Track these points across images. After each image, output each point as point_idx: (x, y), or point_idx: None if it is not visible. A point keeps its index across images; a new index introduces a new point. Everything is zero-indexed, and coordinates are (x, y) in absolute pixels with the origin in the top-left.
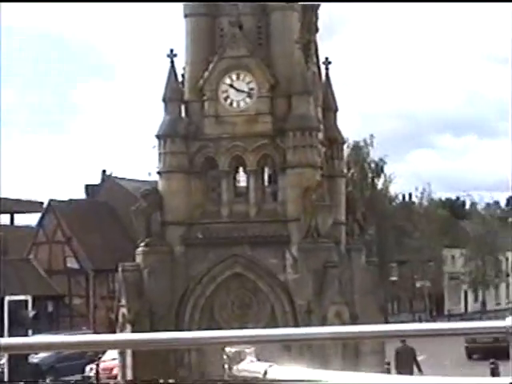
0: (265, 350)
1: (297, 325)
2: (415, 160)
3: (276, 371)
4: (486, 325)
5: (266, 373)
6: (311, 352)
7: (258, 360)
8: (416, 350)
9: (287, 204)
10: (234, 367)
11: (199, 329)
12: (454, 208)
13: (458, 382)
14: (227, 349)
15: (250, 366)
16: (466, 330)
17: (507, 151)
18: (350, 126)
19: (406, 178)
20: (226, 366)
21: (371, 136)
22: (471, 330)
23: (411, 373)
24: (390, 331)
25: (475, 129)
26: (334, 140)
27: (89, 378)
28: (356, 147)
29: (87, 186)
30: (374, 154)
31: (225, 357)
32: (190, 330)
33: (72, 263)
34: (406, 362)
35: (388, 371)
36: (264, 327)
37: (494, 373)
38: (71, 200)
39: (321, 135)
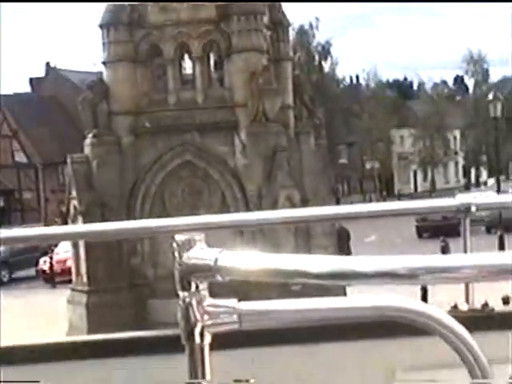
0: (215, 237)
1: (248, 210)
2: (361, 41)
3: (227, 257)
4: (438, 203)
5: (216, 260)
6: (263, 235)
7: (209, 246)
8: (368, 229)
9: (234, 89)
10: (184, 255)
11: (150, 218)
12: (402, 88)
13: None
14: (177, 236)
15: (199, 252)
16: (419, 210)
17: (452, 29)
18: (295, 9)
19: (353, 59)
20: (176, 254)
21: (316, 19)
22: (424, 210)
23: (349, 254)
24: (343, 213)
25: (420, 8)
26: (279, 23)
27: (43, 271)
28: (301, 30)
29: (31, 80)
30: (320, 37)
31: (174, 245)
32: (141, 219)
33: (20, 157)
34: (343, 243)
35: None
36: (215, 213)
37: (445, 250)
38: (16, 94)
39: (266, 19)
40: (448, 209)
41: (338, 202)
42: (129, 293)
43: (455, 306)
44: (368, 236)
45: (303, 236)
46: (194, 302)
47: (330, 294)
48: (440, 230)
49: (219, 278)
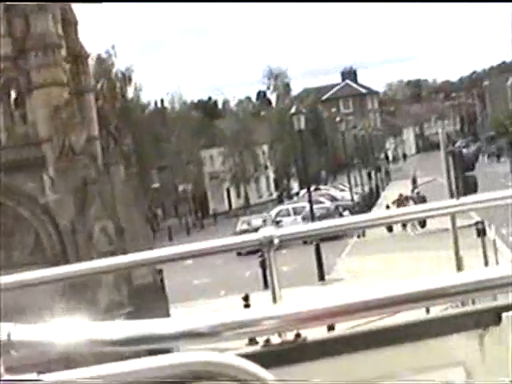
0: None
1: (63, 246)
2: (163, 65)
3: (21, 331)
4: (242, 239)
5: (9, 334)
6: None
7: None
8: None
9: (38, 125)
10: None
11: None
12: (207, 108)
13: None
14: None
15: None
16: (225, 247)
17: (252, 45)
18: (91, 39)
19: (156, 84)
20: None
21: (113, 46)
22: (230, 247)
23: None
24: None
25: (216, 28)
26: (78, 55)
27: None
28: (100, 59)
29: None
30: (120, 64)
31: None
32: None
33: None
34: None
35: (161, 280)
36: (30, 253)
37: (263, 265)
38: None
39: (64, 51)
40: (252, 243)
41: (153, 229)
42: None
43: (267, 340)
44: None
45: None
46: None
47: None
48: None
49: (13, 352)
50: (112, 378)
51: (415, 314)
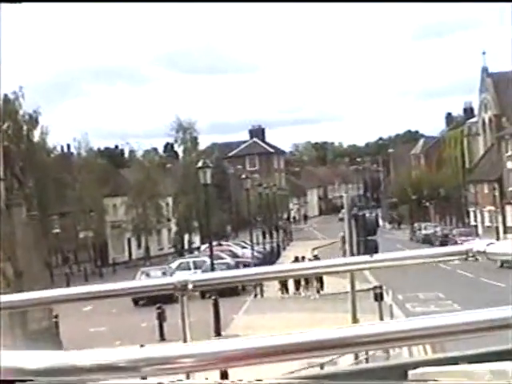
0: None
1: None
2: (71, 110)
3: None
4: (155, 282)
5: None
6: None
7: None
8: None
9: None
10: None
11: None
12: (113, 157)
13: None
14: None
15: None
16: (137, 289)
17: (160, 98)
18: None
19: (64, 128)
20: None
21: (20, 88)
22: (141, 289)
23: None
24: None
25: (126, 77)
26: None
27: None
28: (6, 99)
29: None
30: (28, 106)
31: None
32: None
33: None
34: None
35: (56, 326)
36: None
37: (161, 317)
38: None
39: None
40: (165, 287)
41: (51, 275)
42: None
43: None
44: (85, 305)
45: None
46: None
47: None
48: (155, 297)
49: None
50: None
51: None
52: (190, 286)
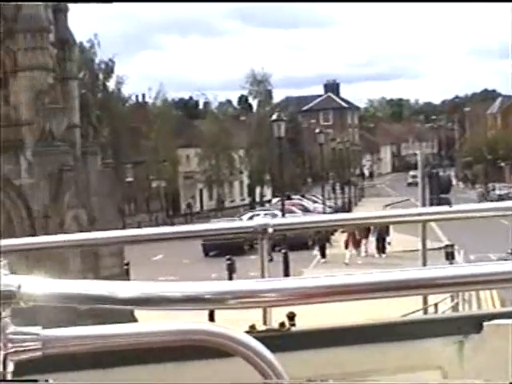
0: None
1: (34, 231)
2: (145, 61)
3: (31, 283)
4: (236, 225)
5: (20, 286)
6: (50, 259)
7: (12, 273)
8: (156, 248)
9: (20, 108)
10: None
11: None
12: (188, 108)
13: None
14: None
15: (2, 279)
16: (218, 231)
17: (235, 50)
18: (75, 26)
19: (138, 79)
20: None
21: (96, 36)
22: (222, 231)
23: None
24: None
25: (199, 30)
26: (66, 41)
27: None
28: (82, 48)
29: None
30: (103, 55)
31: None
32: None
33: None
34: None
35: (127, 273)
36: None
37: (231, 268)
38: None
39: (52, 36)
40: (245, 230)
41: (123, 222)
42: None
43: (253, 327)
44: (155, 255)
45: (90, 257)
46: None
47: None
48: (226, 248)
49: (22, 304)
50: (111, 338)
51: (404, 311)
52: (270, 230)
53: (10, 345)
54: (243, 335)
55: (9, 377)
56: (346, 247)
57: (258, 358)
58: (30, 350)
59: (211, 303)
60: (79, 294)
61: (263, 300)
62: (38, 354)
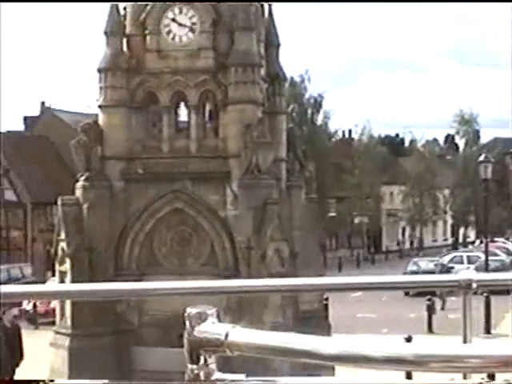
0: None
1: (236, 261)
2: (352, 96)
3: (238, 333)
4: (440, 278)
5: (227, 335)
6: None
7: (219, 321)
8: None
9: (228, 140)
10: (195, 328)
11: (138, 264)
12: (394, 145)
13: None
14: (188, 309)
15: (211, 327)
16: (421, 283)
17: (440, 87)
18: (286, 62)
19: (344, 114)
20: (187, 326)
21: (306, 71)
22: (425, 284)
23: None
24: (332, 284)
25: (406, 65)
26: (276, 76)
27: (26, 311)
28: (292, 82)
29: (26, 118)
30: (312, 90)
31: (186, 317)
32: (128, 265)
33: (10, 196)
34: None
35: (326, 308)
36: (204, 264)
37: (430, 309)
38: (9, 132)
39: (263, 71)
40: (449, 284)
41: (324, 257)
42: (113, 338)
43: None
44: (355, 292)
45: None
46: (202, 375)
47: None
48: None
49: (228, 352)
50: None
51: None
52: (474, 285)
53: None
54: None
55: None
56: None
57: None
58: None
59: (412, 365)
60: (283, 347)
61: (466, 366)
62: None
